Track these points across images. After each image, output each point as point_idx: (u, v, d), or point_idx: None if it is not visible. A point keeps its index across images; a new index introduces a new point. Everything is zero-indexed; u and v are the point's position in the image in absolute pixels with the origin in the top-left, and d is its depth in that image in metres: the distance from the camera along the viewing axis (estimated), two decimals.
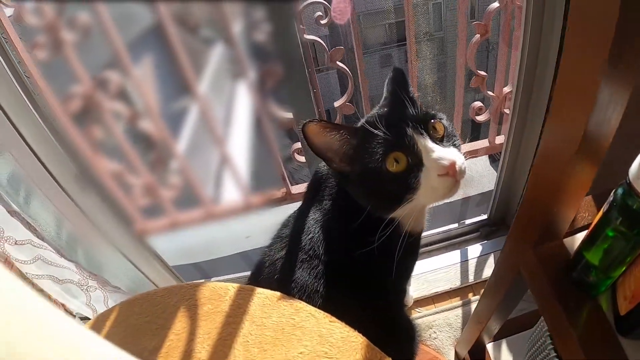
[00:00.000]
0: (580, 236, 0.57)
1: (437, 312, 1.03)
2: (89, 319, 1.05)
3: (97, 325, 0.64)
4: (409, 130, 0.58)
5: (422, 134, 0.58)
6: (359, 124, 0.65)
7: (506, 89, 1.15)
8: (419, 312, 1.06)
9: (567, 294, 0.52)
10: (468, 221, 1.23)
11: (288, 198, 1.22)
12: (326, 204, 0.69)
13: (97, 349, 0.24)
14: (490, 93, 1.17)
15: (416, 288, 1.09)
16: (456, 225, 1.22)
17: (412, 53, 1.11)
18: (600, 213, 0.50)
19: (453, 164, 0.57)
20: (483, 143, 1.23)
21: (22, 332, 0.17)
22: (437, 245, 1.20)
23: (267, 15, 0.93)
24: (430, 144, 0.58)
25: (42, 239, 0.91)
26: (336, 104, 1.10)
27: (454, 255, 1.16)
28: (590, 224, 0.58)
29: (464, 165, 0.59)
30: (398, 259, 0.64)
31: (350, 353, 0.47)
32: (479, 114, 1.20)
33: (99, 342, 0.25)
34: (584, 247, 0.50)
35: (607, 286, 0.51)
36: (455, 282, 1.10)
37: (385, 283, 0.70)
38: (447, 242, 1.20)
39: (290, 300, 0.54)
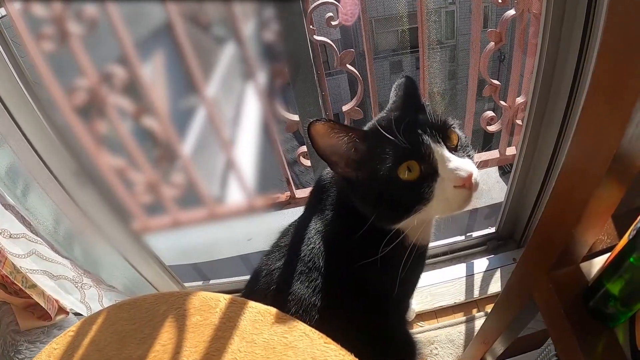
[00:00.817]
0: (598, 261, 0.53)
1: (439, 328, 0.98)
2: (83, 315, 1.02)
3: (83, 329, 0.60)
4: (426, 138, 0.53)
5: (439, 142, 0.54)
6: (369, 126, 0.61)
7: (519, 99, 1.10)
8: (421, 326, 1.01)
9: (583, 324, 0.47)
10: (475, 234, 1.18)
11: (292, 202, 1.18)
12: (328, 214, 0.65)
13: None
14: (502, 103, 1.12)
15: (419, 301, 1.04)
16: (462, 237, 1.17)
17: (424, 60, 1.06)
18: (625, 239, 0.45)
19: (470, 176, 0.53)
20: (493, 154, 1.18)
21: None
22: (442, 257, 1.15)
23: (276, 14, 0.90)
24: (447, 153, 0.54)
25: (37, 234, 0.88)
26: (345, 107, 1.05)
27: (459, 269, 1.11)
28: (609, 248, 0.53)
29: (479, 178, 0.55)
30: (404, 274, 0.60)
31: None
32: (490, 124, 1.15)
33: None
34: (605, 275, 0.46)
35: (626, 318, 0.46)
36: (460, 297, 1.05)
37: (387, 298, 0.66)
38: (453, 255, 1.15)
39: (284, 317, 0.50)
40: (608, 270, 0.45)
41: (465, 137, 0.60)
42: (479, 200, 1.19)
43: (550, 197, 0.47)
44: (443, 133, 0.55)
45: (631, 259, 0.42)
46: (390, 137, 0.54)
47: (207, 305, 0.54)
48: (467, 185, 0.53)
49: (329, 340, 0.46)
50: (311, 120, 0.52)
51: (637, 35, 0.32)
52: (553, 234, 0.48)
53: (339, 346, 0.46)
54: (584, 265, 0.52)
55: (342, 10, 0.96)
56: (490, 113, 1.15)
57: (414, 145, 0.54)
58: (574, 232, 0.45)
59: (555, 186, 0.47)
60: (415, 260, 0.62)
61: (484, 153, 1.17)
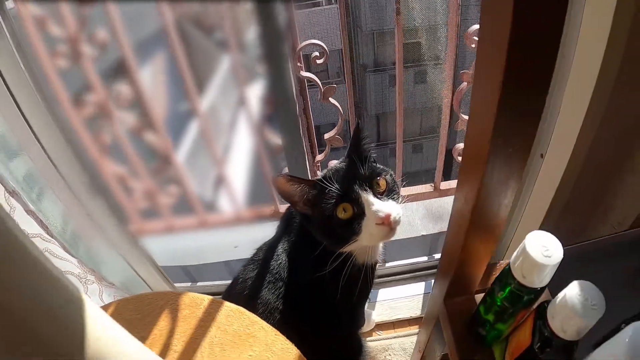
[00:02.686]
0: None
1: (395, 337, 1.24)
2: None
3: None
4: (356, 187, 0.78)
5: (366, 190, 0.78)
6: (321, 174, 0.86)
7: None
8: (379, 334, 1.27)
9: (466, 343, 0.67)
10: (437, 255, 1.41)
11: (276, 215, 1.41)
12: (293, 237, 0.90)
13: None
14: None
15: (380, 313, 1.30)
16: (425, 258, 1.41)
17: (400, 76, 1.25)
18: (492, 280, 0.67)
19: (388, 216, 0.76)
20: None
21: None
22: (405, 275, 1.39)
23: (262, 53, 1.12)
24: (371, 198, 0.78)
25: (52, 235, 1.12)
26: (326, 135, 1.29)
27: (419, 287, 1.36)
28: None
29: (399, 216, 0.78)
30: (344, 285, 0.83)
31: None
32: (461, 155, 1.38)
33: None
34: (480, 305, 0.64)
35: (494, 337, 0.64)
36: (416, 312, 1.30)
37: (337, 307, 0.90)
38: (414, 274, 1.39)
39: (249, 314, 0.75)
40: (481, 302, 0.64)
41: (394, 183, 0.84)
42: (446, 224, 1.42)
43: (444, 244, 0.71)
44: (370, 182, 0.79)
45: (488, 298, 0.61)
46: (329, 187, 0.78)
47: (195, 303, 0.79)
48: (386, 223, 0.76)
49: (278, 333, 0.72)
50: (275, 175, 0.77)
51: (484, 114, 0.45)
52: (447, 268, 0.71)
53: (285, 338, 0.71)
54: (478, 297, 0.72)
55: None
56: (461, 145, 1.38)
57: (346, 191, 0.78)
58: (462, 269, 0.68)
59: (448, 229, 0.70)
60: (358, 275, 0.86)
61: (451, 181, 1.41)
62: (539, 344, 0.52)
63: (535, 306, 0.56)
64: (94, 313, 0.40)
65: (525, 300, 0.54)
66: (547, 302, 0.52)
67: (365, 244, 0.81)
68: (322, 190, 0.80)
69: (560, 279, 0.50)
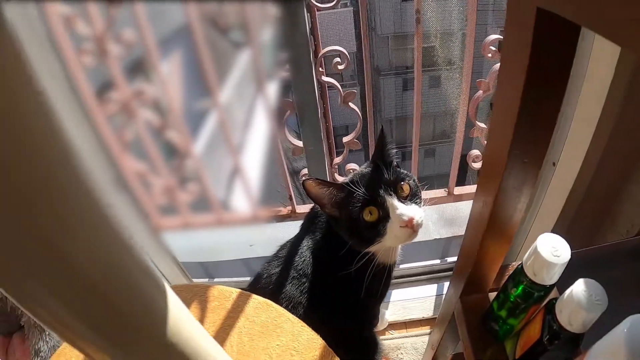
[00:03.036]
0: None
1: (407, 337, 1.31)
2: None
3: None
4: (381, 192, 0.85)
5: (390, 194, 0.85)
6: (348, 178, 0.93)
7: None
8: (391, 334, 1.34)
9: (480, 337, 0.74)
10: (450, 259, 1.48)
11: (292, 215, 1.47)
12: (318, 235, 0.97)
13: None
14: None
15: (392, 312, 1.37)
16: (438, 261, 1.48)
17: (418, 86, 1.32)
18: (505, 279, 0.75)
19: (411, 219, 0.84)
20: (472, 188, 1.47)
21: None
22: (418, 277, 1.46)
23: (288, 57, 1.20)
24: (395, 202, 0.85)
25: None
26: (345, 139, 1.37)
27: (431, 289, 1.43)
28: None
29: (421, 219, 0.86)
30: (368, 283, 0.91)
31: (311, 350, 0.76)
32: (475, 162, 1.45)
33: None
34: (494, 302, 0.71)
35: (506, 332, 0.70)
36: (428, 312, 1.37)
37: (357, 304, 0.97)
38: (428, 276, 1.46)
39: (276, 307, 0.83)
40: (495, 299, 0.71)
41: (417, 188, 0.91)
42: (458, 228, 1.50)
43: (462, 245, 0.78)
44: (395, 186, 0.86)
45: (501, 294, 0.67)
46: (356, 191, 0.86)
47: (223, 295, 0.87)
48: (410, 226, 0.84)
49: (304, 324, 0.79)
50: (304, 178, 0.84)
51: (505, 123, 0.51)
52: (464, 268, 0.78)
53: (310, 329, 0.79)
54: (492, 295, 0.77)
55: None
56: (476, 152, 1.45)
57: (372, 196, 0.85)
58: (477, 269, 0.75)
59: (466, 231, 0.77)
60: (380, 275, 0.93)
61: (464, 187, 1.47)
62: (547, 337, 0.59)
63: (544, 303, 0.62)
64: (170, 292, 0.46)
65: (536, 297, 0.61)
66: (556, 299, 0.59)
67: (388, 245, 0.88)
68: (349, 194, 0.87)
69: (569, 281, 0.57)
